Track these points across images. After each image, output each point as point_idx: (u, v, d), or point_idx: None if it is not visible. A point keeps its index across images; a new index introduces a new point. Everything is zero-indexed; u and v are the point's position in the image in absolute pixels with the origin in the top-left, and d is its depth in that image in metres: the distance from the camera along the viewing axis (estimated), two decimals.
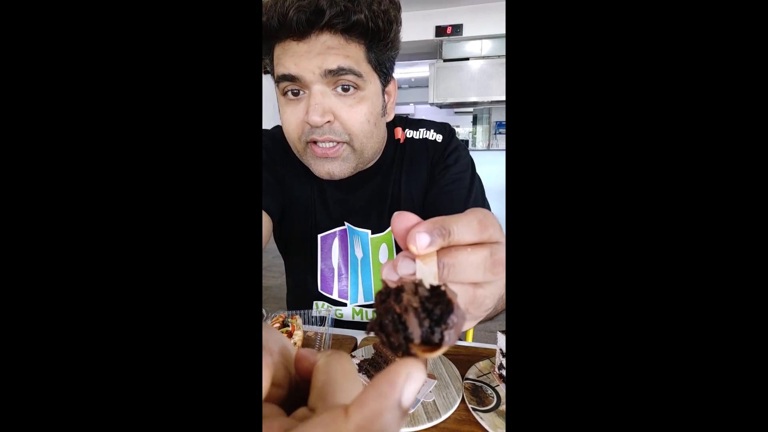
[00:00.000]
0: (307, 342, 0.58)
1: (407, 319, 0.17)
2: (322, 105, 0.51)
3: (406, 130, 0.69)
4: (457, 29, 3.63)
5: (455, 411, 0.45)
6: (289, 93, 0.53)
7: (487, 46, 3.72)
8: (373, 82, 0.54)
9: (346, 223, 0.68)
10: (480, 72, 3.76)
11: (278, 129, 0.70)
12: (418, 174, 0.66)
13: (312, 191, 0.67)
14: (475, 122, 4.44)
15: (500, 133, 4.22)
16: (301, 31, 0.48)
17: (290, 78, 0.51)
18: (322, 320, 0.66)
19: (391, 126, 0.67)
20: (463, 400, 0.46)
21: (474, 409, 0.44)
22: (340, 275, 0.69)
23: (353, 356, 0.54)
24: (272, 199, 0.61)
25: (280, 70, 0.52)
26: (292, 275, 0.77)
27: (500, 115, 4.23)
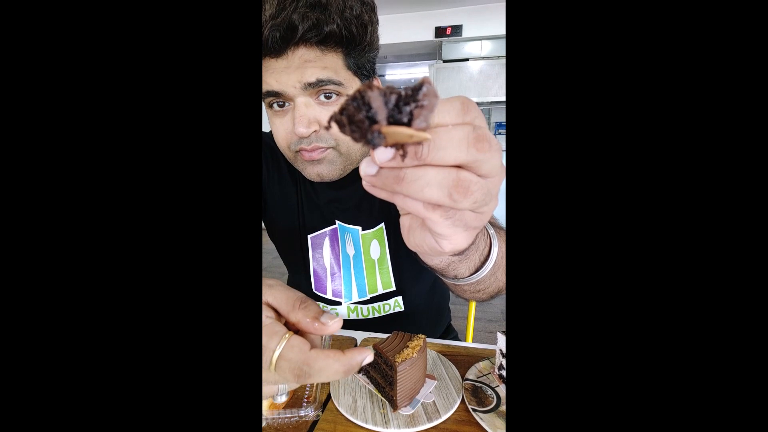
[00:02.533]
0: None
1: (370, 98, 0.15)
2: (307, 116, 0.53)
3: None
4: (456, 30, 3.63)
5: (455, 411, 0.45)
6: (275, 105, 0.55)
7: (486, 47, 3.72)
8: (353, 86, 0.56)
9: (336, 221, 0.68)
10: (479, 73, 3.76)
11: (266, 134, 0.72)
12: None
13: (298, 193, 0.69)
14: None
15: (500, 133, 4.22)
16: (278, 48, 0.49)
17: (274, 94, 0.53)
18: None
19: None
20: (462, 401, 0.46)
21: (474, 410, 0.44)
22: (332, 275, 0.70)
23: None
24: None
25: (263, 87, 0.54)
26: (290, 276, 0.78)
27: (500, 115, 4.23)
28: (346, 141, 0.56)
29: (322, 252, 0.70)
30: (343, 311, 0.70)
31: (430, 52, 4.10)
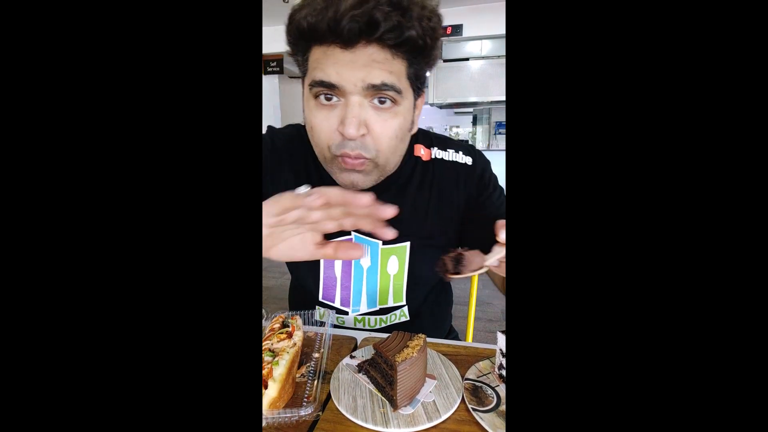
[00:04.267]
0: (307, 342, 0.58)
1: (446, 262, 0.45)
2: (359, 118, 0.50)
3: (433, 148, 0.67)
4: (457, 29, 3.63)
5: (455, 411, 0.45)
6: (322, 97, 0.51)
7: (486, 47, 3.72)
8: (408, 97, 0.53)
9: (353, 232, 0.66)
10: (480, 72, 3.76)
11: (291, 129, 0.67)
12: (450, 197, 0.66)
13: None
14: (474, 122, 4.45)
15: (500, 133, 4.22)
16: (351, 40, 0.47)
17: (329, 85, 0.49)
18: (322, 322, 0.66)
19: (411, 140, 0.65)
20: (463, 400, 0.46)
21: (474, 410, 0.44)
22: (343, 285, 0.68)
23: (353, 356, 0.54)
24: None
25: (318, 75, 0.50)
26: (295, 280, 0.76)
27: (500, 115, 4.24)
28: (384, 152, 0.54)
29: (333, 262, 0.67)
30: (350, 320, 0.69)
31: None
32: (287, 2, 3.08)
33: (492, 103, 3.93)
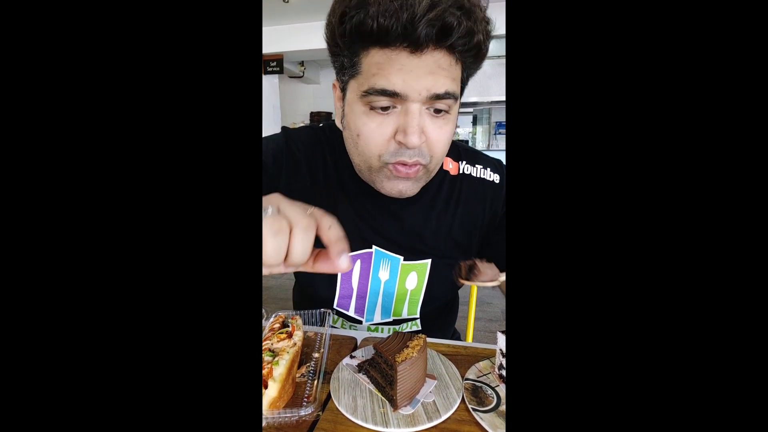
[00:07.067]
0: (307, 342, 0.58)
1: (463, 268, 0.53)
2: (420, 126, 0.48)
3: (461, 162, 0.66)
4: None
5: (455, 411, 0.45)
6: (378, 107, 0.48)
7: None
8: (457, 103, 0.52)
9: (374, 246, 0.64)
10: (480, 72, 3.73)
11: (308, 130, 0.65)
12: (474, 216, 0.65)
13: (333, 209, 0.64)
14: (474, 122, 4.45)
15: (500, 133, 4.22)
16: (423, 45, 0.44)
17: (391, 94, 0.46)
18: (322, 321, 0.66)
19: None
20: (463, 401, 0.46)
21: (474, 410, 0.44)
22: (358, 296, 0.67)
23: (353, 356, 0.54)
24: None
25: (380, 82, 0.45)
26: (306, 284, 0.72)
27: (500, 115, 4.23)
28: (437, 158, 0.53)
29: (351, 274, 0.65)
30: (362, 328, 0.69)
31: None
32: (287, 2, 3.08)
33: (492, 103, 3.92)
